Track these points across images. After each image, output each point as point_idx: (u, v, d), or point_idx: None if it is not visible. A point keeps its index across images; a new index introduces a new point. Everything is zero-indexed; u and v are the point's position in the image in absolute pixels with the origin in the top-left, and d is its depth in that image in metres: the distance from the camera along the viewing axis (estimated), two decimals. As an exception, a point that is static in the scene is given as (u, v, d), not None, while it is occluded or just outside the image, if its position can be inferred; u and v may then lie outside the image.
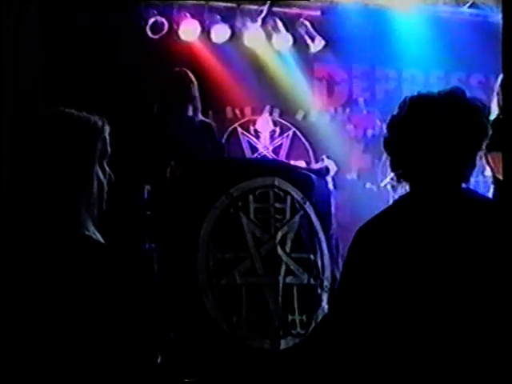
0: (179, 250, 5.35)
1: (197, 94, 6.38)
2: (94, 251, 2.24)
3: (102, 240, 2.30)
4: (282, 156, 8.57)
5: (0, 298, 2.17)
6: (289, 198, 5.50)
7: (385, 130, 2.72)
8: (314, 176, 5.77)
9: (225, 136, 8.29)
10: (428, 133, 2.57)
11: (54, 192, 2.26)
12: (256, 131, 8.64)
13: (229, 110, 8.53)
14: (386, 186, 7.68)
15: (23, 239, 2.23)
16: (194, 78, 6.40)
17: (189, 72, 6.45)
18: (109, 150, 2.38)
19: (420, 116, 2.60)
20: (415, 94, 2.68)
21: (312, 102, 8.80)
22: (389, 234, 2.58)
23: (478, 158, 2.63)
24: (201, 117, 6.45)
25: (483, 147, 2.63)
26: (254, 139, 8.63)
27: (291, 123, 8.70)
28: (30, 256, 2.20)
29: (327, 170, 6.42)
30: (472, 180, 2.63)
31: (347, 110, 8.91)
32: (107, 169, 2.38)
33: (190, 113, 6.36)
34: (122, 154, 2.54)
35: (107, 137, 2.38)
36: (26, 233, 2.23)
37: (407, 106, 2.64)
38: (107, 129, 2.38)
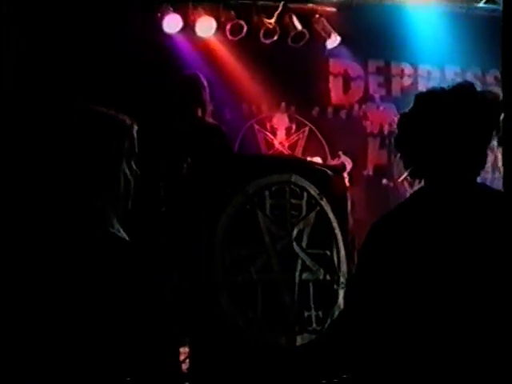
0: (195, 247, 5.34)
1: (207, 97, 6.45)
2: (118, 248, 2.24)
3: (126, 237, 2.30)
4: (299, 152, 8.56)
5: (25, 293, 2.17)
6: (305, 194, 5.49)
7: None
8: (330, 172, 5.77)
9: (241, 132, 8.31)
10: (436, 128, 2.57)
11: (80, 189, 2.26)
12: (272, 127, 8.64)
13: (245, 106, 8.55)
14: (402, 182, 7.67)
15: (48, 235, 2.23)
16: (205, 82, 6.45)
17: (200, 75, 6.49)
18: (136, 148, 2.38)
19: (428, 111, 2.61)
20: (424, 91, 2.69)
21: (328, 98, 8.83)
22: (403, 229, 2.57)
23: (488, 151, 2.63)
24: (210, 120, 6.49)
25: (494, 141, 2.62)
26: (270, 135, 8.63)
27: (307, 119, 8.71)
28: (54, 252, 2.20)
29: (343, 166, 6.42)
30: (489, 176, 2.63)
31: (363, 105, 8.92)
32: (134, 167, 2.37)
33: (199, 115, 6.41)
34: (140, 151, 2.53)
35: (135, 135, 2.37)
36: (51, 229, 2.24)
37: (415, 103, 2.65)
38: (135, 127, 2.37)
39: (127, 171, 2.34)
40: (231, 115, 8.23)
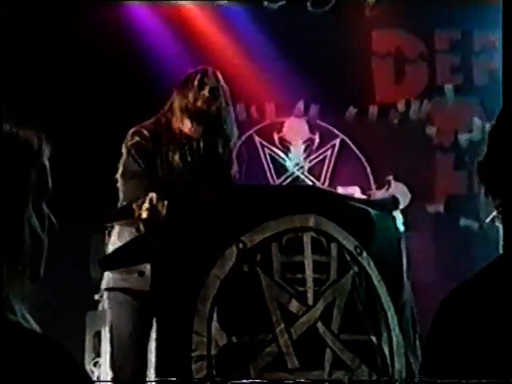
0: (163, 330, 5.35)
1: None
2: (24, 347, 2.21)
3: (35, 326, 2.28)
4: (325, 179, 8.66)
5: None
6: (334, 246, 5.50)
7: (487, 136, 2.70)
8: (374, 211, 5.77)
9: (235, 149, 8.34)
10: None
11: None
12: (283, 140, 8.74)
13: (241, 107, 8.59)
14: (493, 222, 7.64)
15: None
16: (222, 81, 6.47)
17: (217, 72, 6.52)
18: (50, 183, 2.37)
19: None
20: None
21: (370, 94, 8.90)
22: (493, 309, 2.53)
23: None
24: None
25: None
26: (279, 153, 8.74)
27: (338, 127, 8.80)
28: None
29: (395, 200, 6.41)
30: None
31: (427, 103, 8.97)
32: (46, 211, 2.36)
33: None
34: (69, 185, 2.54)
35: (47, 163, 2.36)
36: None
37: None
38: (47, 151, 2.36)
39: (35, 221, 2.32)
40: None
